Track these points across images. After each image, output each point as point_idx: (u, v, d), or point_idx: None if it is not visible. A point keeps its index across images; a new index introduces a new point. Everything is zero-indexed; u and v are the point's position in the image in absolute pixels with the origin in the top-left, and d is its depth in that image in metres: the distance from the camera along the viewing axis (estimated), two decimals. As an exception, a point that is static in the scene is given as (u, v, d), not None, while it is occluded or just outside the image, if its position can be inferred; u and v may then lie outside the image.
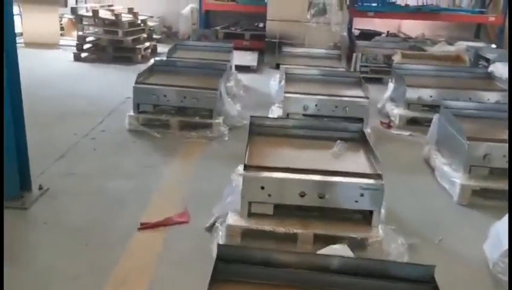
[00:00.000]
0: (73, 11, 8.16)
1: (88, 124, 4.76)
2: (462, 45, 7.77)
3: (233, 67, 6.66)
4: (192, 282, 2.42)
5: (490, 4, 9.74)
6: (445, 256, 2.87)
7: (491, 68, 6.24)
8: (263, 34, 8.56)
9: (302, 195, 2.77)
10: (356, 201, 2.76)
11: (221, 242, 2.78)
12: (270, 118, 4.17)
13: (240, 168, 3.50)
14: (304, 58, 6.60)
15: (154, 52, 8.67)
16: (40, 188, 3.33)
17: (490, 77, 5.77)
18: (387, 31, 9.78)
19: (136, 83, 4.65)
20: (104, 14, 8.05)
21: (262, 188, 2.77)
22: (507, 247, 2.56)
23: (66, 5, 8.75)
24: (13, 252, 2.68)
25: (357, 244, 2.70)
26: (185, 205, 3.26)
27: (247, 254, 1.99)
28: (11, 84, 3.01)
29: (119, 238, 2.86)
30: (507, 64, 6.00)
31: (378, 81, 7.18)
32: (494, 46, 8.52)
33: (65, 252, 2.72)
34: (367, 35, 9.23)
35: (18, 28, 8.44)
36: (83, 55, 7.94)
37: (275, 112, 5.04)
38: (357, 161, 3.10)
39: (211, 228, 2.97)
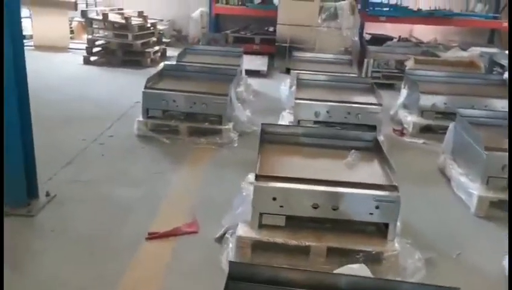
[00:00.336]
0: (84, 14, 8.14)
1: (96, 128, 4.71)
2: (475, 50, 7.64)
3: (243, 72, 6.59)
4: (202, 295, 2.35)
5: (504, 9, 9.58)
6: (464, 271, 2.77)
7: (506, 75, 6.11)
8: (273, 38, 8.50)
9: (315, 207, 2.68)
10: (371, 213, 2.67)
11: (231, 254, 2.71)
12: (281, 125, 4.08)
13: (251, 176, 3.42)
14: (314, 64, 6.51)
15: (163, 55, 8.63)
16: (47, 194, 3.27)
17: (505, 84, 5.64)
18: (399, 36, 9.66)
19: (146, 87, 4.60)
20: (113, 17, 8.02)
21: (274, 199, 2.68)
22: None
23: (76, 9, 8.73)
24: (18, 259, 2.63)
25: (372, 259, 2.61)
26: (194, 214, 3.18)
27: (259, 272, 1.91)
28: (19, 87, 2.95)
29: (126, 247, 2.80)
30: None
31: (390, 87, 7.08)
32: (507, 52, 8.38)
33: (71, 261, 2.66)
34: (378, 40, 9.11)
35: (28, 31, 8.46)
36: (93, 58, 7.92)
37: (286, 118, 4.96)
38: (372, 171, 3.01)
39: (220, 239, 2.89)
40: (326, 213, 2.70)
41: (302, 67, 6.08)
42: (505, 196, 3.39)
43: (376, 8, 9.04)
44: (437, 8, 9.35)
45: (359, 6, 8.37)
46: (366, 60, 7.39)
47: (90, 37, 7.92)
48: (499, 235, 3.10)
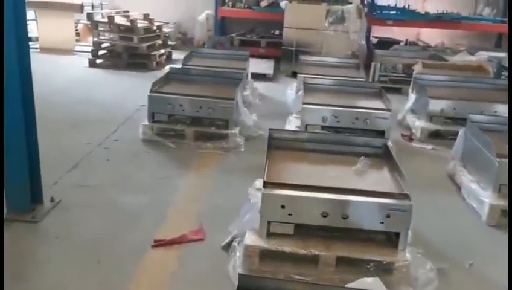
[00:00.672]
0: (89, 17, 8.13)
1: (102, 132, 4.67)
2: (483, 55, 7.57)
3: (249, 76, 6.55)
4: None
5: (512, 13, 9.50)
6: (477, 282, 2.71)
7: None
8: (279, 41, 8.46)
9: (325, 215, 2.62)
10: (382, 222, 2.60)
11: (238, 263, 2.66)
12: (289, 131, 4.03)
13: (258, 182, 3.38)
14: (321, 67, 6.46)
15: (169, 58, 8.61)
16: (52, 200, 3.23)
17: (514, 88, 5.57)
18: (406, 40, 9.60)
19: (151, 91, 4.56)
20: (119, 20, 8.00)
21: (283, 207, 2.63)
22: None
23: (82, 11, 8.72)
24: (22, 266, 2.58)
25: (382, 269, 2.55)
26: (200, 221, 3.13)
27: (269, 285, 1.85)
28: (24, 90, 2.92)
29: (132, 255, 2.75)
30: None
31: (397, 91, 7.02)
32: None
33: (76, 268, 2.61)
34: (385, 43, 9.06)
35: (33, 33, 8.45)
36: (98, 61, 7.90)
37: (293, 122, 4.91)
38: (382, 179, 2.95)
39: (227, 247, 2.83)
40: (336, 222, 2.64)
41: (308, 71, 6.04)
42: (517, 204, 3.32)
43: (383, 12, 8.98)
44: (445, 12, 9.28)
45: (366, 9, 8.32)
46: (373, 64, 7.33)
47: (95, 39, 7.90)
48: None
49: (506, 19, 9.39)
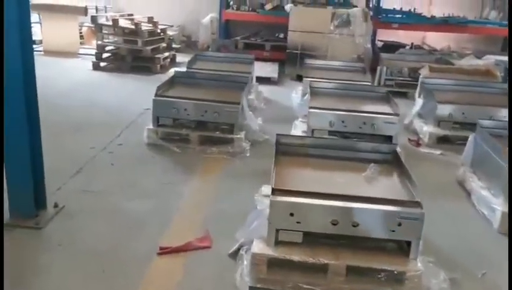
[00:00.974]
0: (93, 20, 8.10)
1: (106, 136, 4.62)
2: (490, 58, 7.49)
3: (254, 79, 6.50)
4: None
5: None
6: (490, 292, 2.63)
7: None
8: (284, 44, 8.42)
9: (335, 223, 2.56)
10: (393, 231, 2.54)
11: (246, 271, 2.59)
12: (297, 136, 3.98)
13: (264, 188, 3.33)
14: (327, 71, 6.40)
15: (173, 61, 8.57)
16: (56, 206, 3.18)
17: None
18: (412, 43, 9.53)
19: (156, 95, 4.51)
20: (124, 23, 7.97)
21: (292, 214, 2.56)
22: None
23: (86, 14, 8.70)
24: (24, 274, 2.54)
25: (394, 278, 2.49)
26: (206, 228, 3.07)
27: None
28: (28, 93, 2.86)
29: (137, 263, 2.69)
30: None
31: (403, 95, 6.96)
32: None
33: (79, 277, 2.56)
34: (390, 47, 9.00)
35: (37, 36, 8.43)
36: (102, 64, 7.87)
37: (299, 127, 4.86)
38: (392, 186, 2.89)
39: (234, 255, 2.77)
40: (346, 230, 2.57)
41: (314, 75, 5.98)
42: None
43: (389, 15, 8.91)
44: (450, 15, 9.21)
45: (371, 13, 8.26)
46: (379, 68, 7.27)
47: (99, 42, 7.87)
48: (524, 253, 2.96)
49: (513, 23, 9.32)
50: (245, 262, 2.63)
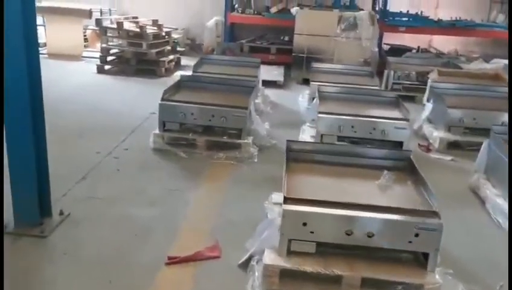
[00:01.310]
0: (98, 22, 8.04)
1: (111, 141, 4.55)
2: (499, 62, 7.40)
3: (260, 83, 6.42)
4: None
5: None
6: (509, 306, 2.54)
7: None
8: (289, 48, 8.34)
9: (349, 233, 2.48)
10: (410, 242, 2.46)
11: (257, 282, 2.51)
12: (308, 142, 3.90)
13: (274, 196, 3.25)
14: (334, 75, 6.33)
15: (177, 65, 8.50)
16: (61, 213, 3.10)
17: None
18: (418, 46, 9.44)
19: (163, 99, 4.43)
20: (128, 26, 7.91)
21: (305, 224, 2.49)
22: None
23: (90, 17, 8.65)
24: (29, 285, 2.47)
25: (411, 291, 2.41)
26: (215, 236, 2.99)
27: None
28: (33, 97, 2.79)
29: (145, 273, 2.61)
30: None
31: (411, 99, 6.85)
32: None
33: (85, 288, 2.48)
34: (397, 50, 8.92)
35: (41, 39, 8.37)
36: (106, 67, 7.80)
37: (307, 132, 4.77)
38: (408, 195, 2.81)
39: (244, 265, 2.69)
40: (361, 240, 2.49)
41: (322, 79, 5.91)
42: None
43: (395, 18, 8.83)
44: (457, 18, 9.12)
45: (377, 16, 8.18)
46: (386, 72, 7.19)
47: (104, 45, 7.80)
48: (543, 264, 2.86)
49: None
50: (256, 273, 2.55)
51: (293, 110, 6.13)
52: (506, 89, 5.81)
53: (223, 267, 2.72)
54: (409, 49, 9.08)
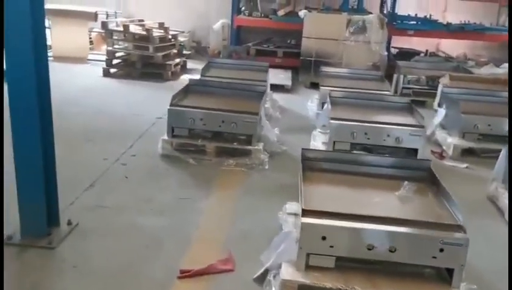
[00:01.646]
0: (104, 25, 7.96)
1: (118, 147, 4.46)
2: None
3: (269, 87, 6.33)
4: None
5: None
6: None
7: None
8: (296, 51, 8.26)
9: (370, 248, 2.38)
10: (434, 257, 2.36)
11: (274, 299, 2.42)
12: (324, 151, 3.80)
13: (289, 206, 3.16)
14: (343, 79, 6.24)
15: (183, 68, 8.41)
16: (69, 223, 3.00)
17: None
18: (426, 50, 9.34)
19: (171, 105, 4.34)
20: (134, 29, 7.83)
21: (324, 238, 2.39)
22: None
23: (96, 19, 8.57)
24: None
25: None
26: (227, 248, 2.89)
27: None
28: (41, 102, 2.69)
29: (157, 287, 2.52)
30: None
31: (421, 104, 6.74)
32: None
33: (96, 303, 2.39)
34: (405, 54, 8.81)
35: (47, 41, 8.29)
36: (112, 70, 7.72)
37: (318, 138, 4.67)
38: (430, 207, 2.70)
39: (260, 279, 2.59)
40: (383, 255, 2.39)
41: (331, 84, 5.82)
42: None
43: (404, 22, 8.73)
44: (466, 22, 9.02)
45: (386, 19, 8.07)
46: (395, 76, 7.09)
47: (110, 48, 7.72)
48: None
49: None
50: (273, 288, 2.45)
51: (302, 115, 6.04)
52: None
53: (237, 281, 2.62)
54: (417, 53, 8.98)
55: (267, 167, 4.21)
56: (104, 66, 7.66)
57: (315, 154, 3.17)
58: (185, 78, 7.64)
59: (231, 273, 2.68)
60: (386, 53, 7.71)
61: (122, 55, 7.91)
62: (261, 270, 2.62)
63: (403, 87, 6.94)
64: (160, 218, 3.23)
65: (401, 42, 9.50)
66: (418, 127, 4.21)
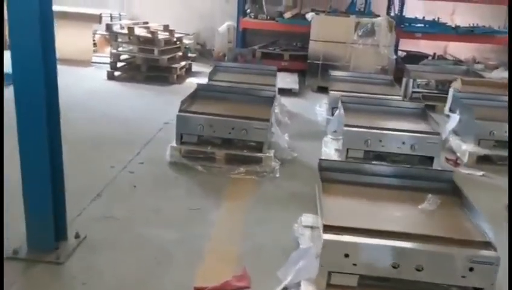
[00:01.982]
0: (109, 28, 7.85)
1: (125, 154, 4.34)
2: (521, 70, 7.16)
3: (277, 91, 6.21)
4: None
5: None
6: None
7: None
8: (303, 54, 8.13)
9: (395, 266, 2.26)
10: (463, 276, 2.24)
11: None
12: (341, 161, 3.68)
13: (304, 218, 3.05)
14: (353, 84, 6.12)
15: (189, 71, 8.30)
16: (77, 236, 2.89)
17: None
18: (434, 53, 9.21)
19: (180, 111, 4.22)
20: (139, 31, 7.72)
21: (347, 255, 2.27)
22: None
23: (100, 22, 8.46)
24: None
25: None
26: (242, 263, 2.77)
27: None
28: (50, 108, 2.58)
29: (169, 306, 2.40)
30: None
31: (431, 108, 6.60)
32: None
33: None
34: (413, 57, 8.69)
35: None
36: (116, 73, 7.60)
37: (330, 144, 4.56)
38: (455, 222, 2.58)
39: (278, 298, 2.48)
40: (408, 274, 2.28)
41: (340, 88, 5.70)
42: None
43: (411, 24, 8.61)
44: (474, 25, 8.89)
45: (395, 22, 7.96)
46: (404, 80, 6.97)
47: (114, 51, 7.61)
48: None
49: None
50: (294, 309, 2.34)
51: (311, 120, 5.92)
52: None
53: (254, 299, 2.51)
54: (426, 56, 8.86)
55: (278, 175, 4.09)
56: (109, 69, 7.55)
57: (332, 164, 3.05)
58: (190, 82, 7.54)
59: (247, 290, 2.57)
60: (395, 56, 7.59)
61: (127, 58, 7.80)
62: (279, 288, 2.50)
63: (413, 92, 6.81)
64: (170, 230, 3.10)
65: (409, 45, 9.37)
66: (434, 134, 4.09)
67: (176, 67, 7.56)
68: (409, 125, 4.34)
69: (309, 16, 7.70)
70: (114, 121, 5.39)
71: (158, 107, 6.03)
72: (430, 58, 8.91)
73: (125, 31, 7.64)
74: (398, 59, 8.17)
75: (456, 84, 6.05)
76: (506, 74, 6.95)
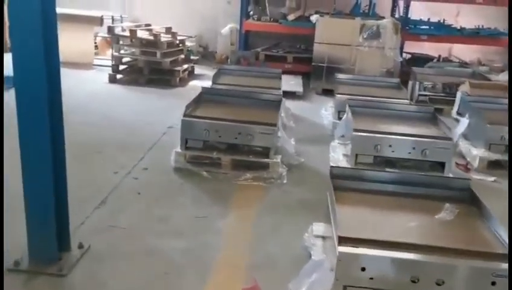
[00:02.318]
0: (110, 30, 7.75)
1: (129, 159, 4.25)
2: (528, 73, 7.06)
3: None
4: None
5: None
6: None
7: None
8: (306, 56, 8.05)
9: (415, 281, 2.16)
10: (485, 291, 2.14)
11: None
12: (353, 168, 3.58)
13: (315, 227, 2.96)
14: (359, 87, 6.03)
15: (191, 74, 8.21)
16: (80, 246, 2.79)
17: None
18: (439, 55, 9.12)
19: (185, 115, 4.13)
20: (141, 34, 7.63)
21: (363, 269, 2.17)
22: None
23: (102, 24, 8.38)
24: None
25: None
26: (252, 274, 2.67)
27: None
28: (53, 113, 2.49)
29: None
30: None
31: (439, 112, 6.49)
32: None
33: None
34: (418, 59, 8.60)
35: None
36: (118, 76, 7.51)
37: (338, 150, 4.46)
38: (475, 233, 2.48)
39: (290, 312, 2.38)
40: (428, 289, 2.17)
41: (346, 91, 5.62)
42: None
43: (416, 26, 8.52)
44: (479, 27, 8.81)
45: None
46: (411, 83, 6.88)
47: (116, 54, 7.52)
48: None
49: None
50: (308, 324, 2.24)
51: (317, 124, 5.83)
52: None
53: (265, 313, 2.41)
54: (431, 58, 8.76)
55: (285, 181, 3.99)
56: (110, 71, 7.46)
57: (343, 171, 2.95)
58: (193, 85, 7.46)
59: (258, 304, 2.47)
60: (400, 59, 7.50)
61: (129, 61, 7.71)
62: (291, 301, 2.41)
63: (419, 95, 6.71)
64: (176, 240, 3.01)
65: (414, 47, 9.28)
66: (446, 140, 4.00)
67: (179, 70, 7.47)
68: (419, 130, 4.25)
69: (314, 18, 7.61)
70: (116, 125, 5.30)
71: (161, 110, 5.93)
72: (435, 60, 8.81)
73: (127, 33, 7.55)
74: (403, 62, 8.08)
75: (465, 87, 5.96)
76: (513, 77, 6.85)
